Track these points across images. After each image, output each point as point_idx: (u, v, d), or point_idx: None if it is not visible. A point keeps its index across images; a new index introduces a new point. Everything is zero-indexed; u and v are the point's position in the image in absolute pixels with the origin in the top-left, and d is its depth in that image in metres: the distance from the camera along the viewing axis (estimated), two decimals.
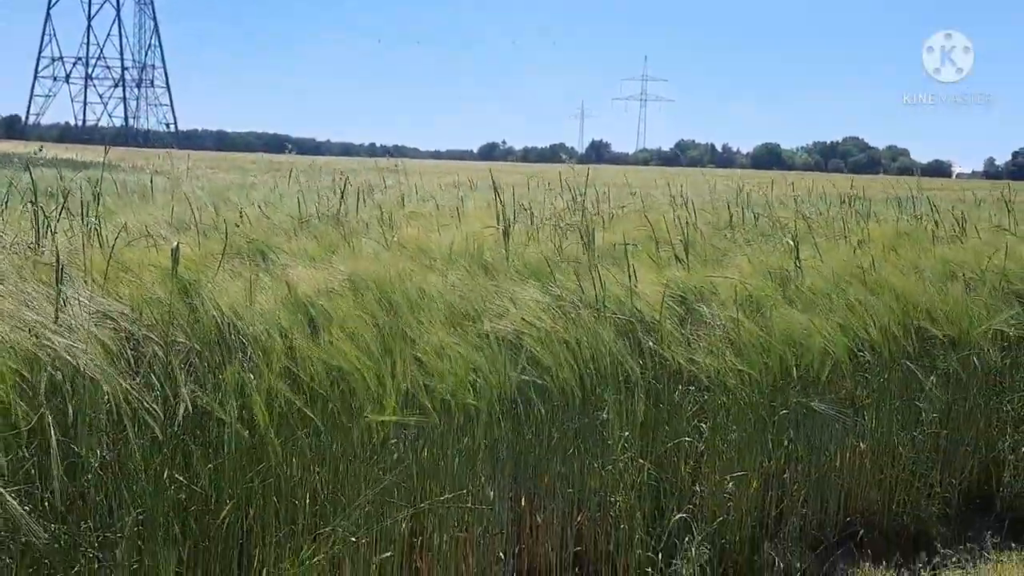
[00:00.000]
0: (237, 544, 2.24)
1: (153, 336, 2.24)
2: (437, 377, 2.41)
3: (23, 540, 1.88)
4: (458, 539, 2.47)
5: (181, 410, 2.11)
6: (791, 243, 3.84)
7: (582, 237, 4.28)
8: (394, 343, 2.45)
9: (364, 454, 2.35)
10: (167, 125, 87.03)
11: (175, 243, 2.65)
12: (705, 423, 3.15)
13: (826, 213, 6.19)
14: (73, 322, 2.05)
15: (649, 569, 2.74)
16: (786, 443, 3.21)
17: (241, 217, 4.00)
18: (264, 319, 2.40)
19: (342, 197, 5.10)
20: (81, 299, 2.18)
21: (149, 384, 2.09)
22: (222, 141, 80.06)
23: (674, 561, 2.73)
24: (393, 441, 2.39)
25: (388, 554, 2.33)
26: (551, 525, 2.72)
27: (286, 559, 2.14)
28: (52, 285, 2.21)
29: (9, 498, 1.73)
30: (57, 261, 2.18)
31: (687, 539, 2.75)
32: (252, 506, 2.26)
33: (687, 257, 3.66)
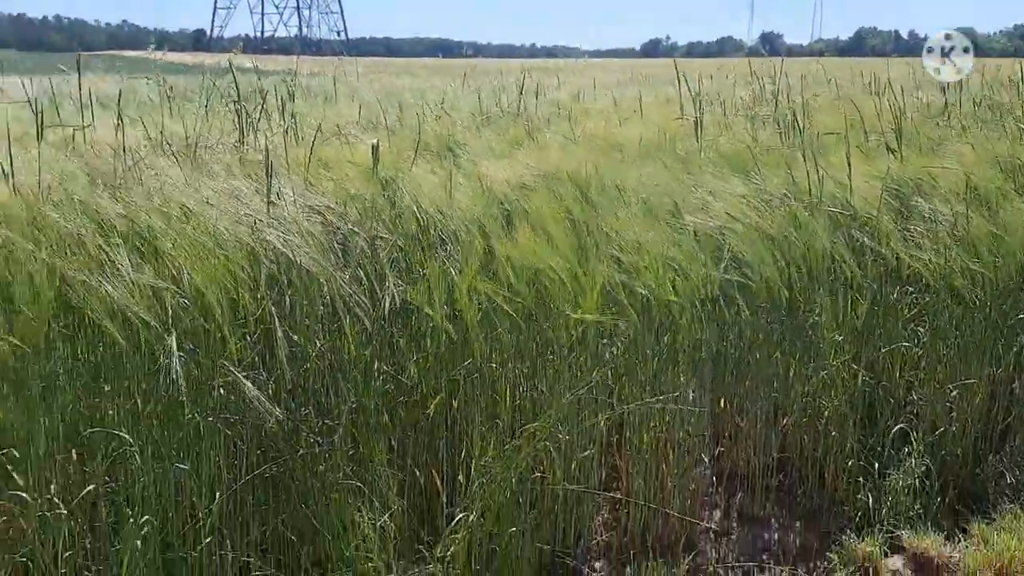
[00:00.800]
0: (443, 435, 2.28)
1: (359, 230, 2.25)
2: (635, 274, 2.31)
3: (252, 424, 1.99)
4: (658, 439, 2.41)
5: (387, 304, 2.12)
6: None
7: (779, 127, 4.00)
8: (591, 239, 2.36)
9: (563, 352, 2.30)
10: (338, 33, 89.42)
11: (375, 140, 2.65)
12: (922, 327, 2.90)
13: None
14: (285, 216, 2.08)
15: (861, 479, 2.58)
16: (1017, 350, 2.89)
17: (432, 114, 4.00)
18: (463, 214, 2.37)
19: (521, 94, 5.02)
20: (289, 194, 2.21)
21: (356, 277, 2.11)
22: (389, 48, 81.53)
23: (889, 472, 2.55)
24: (604, 342, 2.33)
25: (588, 452, 2.30)
26: (754, 428, 2.60)
27: (490, 452, 2.15)
28: (260, 181, 2.26)
29: (246, 382, 1.81)
30: (267, 156, 2.22)
31: (905, 450, 2.56)
32: (456, 399, 2.28)
33: (899, 146, 3.32)
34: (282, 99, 3.56)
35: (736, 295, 2.51)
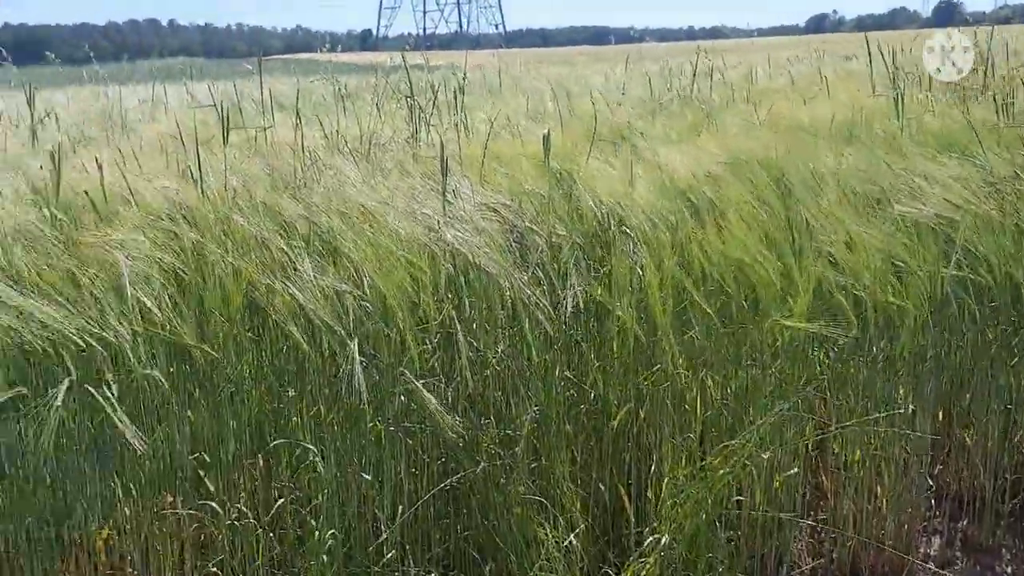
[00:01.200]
0: (628, 447, 2.12)
1: (536, 228, 2.13)
2: (850, 273, 2.05)
3: (431, 433, 1.91)
4: (872, 458, 2.14)
5: (569, 306, 1.98)
6: None
7: (995, 102, 3.55)
8: (796, 233, 2.13)
9: (764, 360, 2.07)
10: (496, 26, 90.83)
11: (546, 130, 2.52)
12: None
13: None
14: (462, 214, 1.99)
15: None
16: None
17: (602, 101, 3.85)
18: (648, 208, 2.19)
19: (694, 77, 4.77)
20: (466, 192, 2.12)
21: (536, 278, 1.98)
22: (544, 38, 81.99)
23: None
24: (817, 352, 2.09)
25: (793, 471, 2.08)
26: (982, 446, 2.27)
27: (681, 467, 1.97)
28: (434, 178, 2.18)
29: (426, 393, 1.73)
30: (441, 153, 2.13)
31: None
32: (643, 409, 2.11)
33: None
34: (453, 93, 3.50)
35: (966, 295, 2.20)
